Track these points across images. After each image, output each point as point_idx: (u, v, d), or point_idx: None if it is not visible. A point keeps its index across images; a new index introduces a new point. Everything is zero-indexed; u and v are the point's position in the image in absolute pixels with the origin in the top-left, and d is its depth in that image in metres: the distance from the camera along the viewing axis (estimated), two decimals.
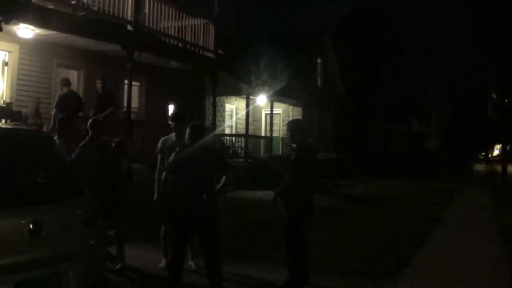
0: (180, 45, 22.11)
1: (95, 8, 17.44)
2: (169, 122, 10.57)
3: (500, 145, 64.46)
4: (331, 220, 17.13)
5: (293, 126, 9.69)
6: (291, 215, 9.22)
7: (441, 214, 19.93)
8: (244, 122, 31.93)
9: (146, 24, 19.68)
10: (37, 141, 7.20)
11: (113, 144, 10.77)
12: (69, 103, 15.91)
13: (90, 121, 11.36)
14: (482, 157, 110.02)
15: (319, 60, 42.85)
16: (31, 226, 5.63)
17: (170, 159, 9.20)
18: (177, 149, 9.16)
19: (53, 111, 15.93)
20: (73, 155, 10.64)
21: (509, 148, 52.47)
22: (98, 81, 17.69)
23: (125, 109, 19.03)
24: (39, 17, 15.53)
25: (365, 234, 14.97)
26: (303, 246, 9.24)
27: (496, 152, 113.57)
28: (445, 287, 9.74)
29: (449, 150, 68.07)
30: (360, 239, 14.26)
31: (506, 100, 44.92)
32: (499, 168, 45.52)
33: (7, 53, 17.83)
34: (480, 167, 69.58)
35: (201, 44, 23.13)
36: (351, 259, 11.82)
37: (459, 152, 70.93)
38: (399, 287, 9.76)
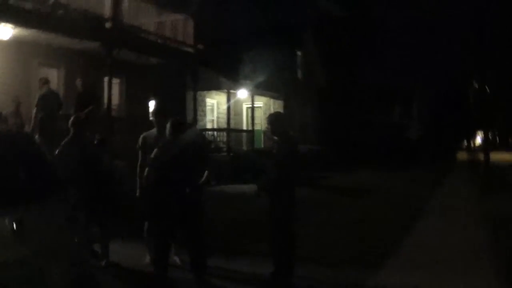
0: (160, 41, 22.11)
1: (74, 7, 17.39)
2: (151, 118, 10.58)
3: (482, 133, 64.72)
4: (315, 212, 17.16)
5: (273, 119, 9.71)
6: (274, 208, 9.24)
7: (424, 204, 20.03)
8: (225, 116, 31.95)
9: (125, 21, 19.65)
10: (17, 141, 7.21)
11: (95, 142, 10.78)
12: (49, 102, 15.87)
13: (72, 118, 11.34)
14: (465, 146, 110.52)
15: (299, 53, 42.85)
16: (14, 225, 5.64)
17: (152, 155, 9.22)
18: (159, 144, 9.18)
19: (34, 111, 15.91)
20: (55, 153, 10.62)
21: (491, 136, 52.79)
22: (78, 79, 17.64)
23: (106, 106, 19.00)
24: (18, 17, 15.50)
25: (349, 225, 15.05)
26: (287, 238, 9.26)
27: (478, 140, 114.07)
28: (429, 275, 9.80)
29: (432, 140, 68.25)
30: (344, 230, 14.35)
31: (487, 88, 45.14)
32: (481, 156, 45.78)
33: None
34: (463, 156, 69.84)
35: (181, 39, 23.13)
36: (336, 250, 11.91)
37: (441, 142, 71.13)
38: (384, 277, 9.82)
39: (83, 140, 10.97)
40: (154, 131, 10.29)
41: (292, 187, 9.39)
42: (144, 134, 10.49)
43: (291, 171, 9.34)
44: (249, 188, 17.39)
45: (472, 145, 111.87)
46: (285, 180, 9.19)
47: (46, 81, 16.51)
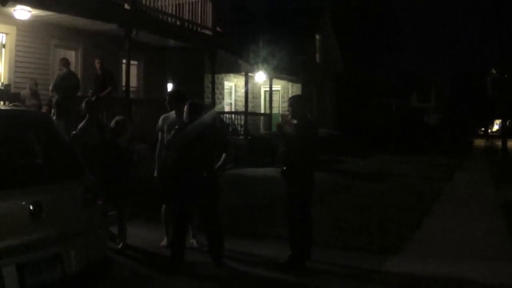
0: (178, 23, 22.05)
1: None
2: (166, 103, 10.57)
3: (500, 120, 64.29)
4: (332, 196, 17.13)
5: (294, 101, 9.67)
6: (292, 191, 9.22)
7: (441, 189, 19.97)
8: (243, 99, 31.85)
9: (143, 3, 19.60)
10: (36, 121, 7.19)
11: (112, 124, 10.75)
12: (68, 84, 15.88)
13: (85, 102, 11.38)
14: (482, 133, 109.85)
15: (318, 36, 42.65)
16: (31, 207, 5.63)
17: (169, 137, 9.20)
18: (176, 127, 9.15)
19: (51, 92, 15.94)
20: (72, 135, 10.64)
21: (508, 123, 52.46)
22: (96, 61, 17.66)
23: (123, 89, 19.00)
24: None
25: (366, 210, 14.98)
26: (304, 222, 9.26)
27: (495, 127, 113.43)
28: (446, 262, 9.74)
29: (449, 125, 67.91)
30: (361, 215, 14.28)
31: (506, 76, 44.88)
32: (498, 143, 45.53)
33: (4, 35, 17.75)
34: (480, 143, 69.50)
35: (199, 21, 23.07)
36: (352, 235, 11.85)
37: (459, 128, 70.73)
38: (400, 263, 9.78)
39: (99, 122, 11.01)
40: (173, 113, 10.26)
41: (310, 171, 9.36)
42: (163, 116, 10.48)
43: (309, 155, 9.31)
44: (266, 171, 17.37)
45: (489, 131, 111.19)
46: (303, 164, 9.15)
47: (66, 62, 16.52)
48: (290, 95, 32.91)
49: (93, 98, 12.87)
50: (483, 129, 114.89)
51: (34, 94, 16.62)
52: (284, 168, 9.29)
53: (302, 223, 9.23)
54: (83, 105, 11.29)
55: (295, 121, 9.44)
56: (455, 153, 42.70)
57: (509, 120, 52.58)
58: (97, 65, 17.57)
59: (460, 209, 15.96)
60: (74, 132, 10.76)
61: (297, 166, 9.09)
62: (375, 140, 42.99)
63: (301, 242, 9.23)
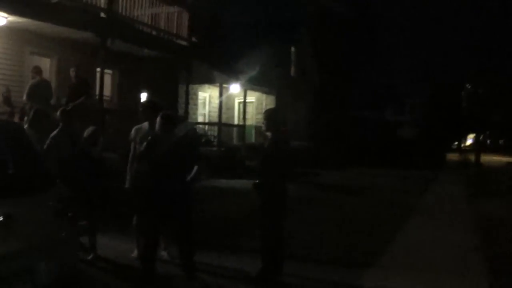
0: (154, 33, 22.02)
1: None
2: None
3: (474, 135, 64.86)
4: (305, 209, 17.11)
5: (270, 115, 9.67)
6: (264, 204, 9.21)
7: (415, 203, 20.07)
8: (217, 110, 31.88)
9: (120, 12, 19.55)
10: (7, 131, 7.12)
11: (86, 133, 10.68)
12: (40, 92, 15.79)
13: (59, 111, 11.32)
14: (455, 147, 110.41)
15: (293, 49, 42.77)
16: (1, 219, 5.56)
17: (141, 148, 9.17)
18: (148, 138, 9.13)
19: (24, 99, 15.83)
20: (45, 145, 10.55)
21: (481, 137, 53.03)
22: (71, 69, 17.52)
23: (97, 98, 18.90)
24: (12, 4, 15.37)
25: (340, 224, 15.04)
26: (276, 236, 9.23)
27: (469, 141, 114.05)
28: (418, 276, 9.81)
29: (423, 139, 68.11)
30: (334, 228, 14.33)
31: (480, 91, 45.37)
32: (471, 157, 45.89)
33: None
34: (453, 157, 69.89)
35: (175, 32, 23.04)
36: (326, 248, 11.89)
37: (432, 141, 70.93)
38: (373, 276, 9.80)
39: (72, 132, 10.94)
40: (146, 124, 10.21)
41: (283, 185, 9.35)
42: (136, 126, 10.42)
43: (283, 168, 9.30)
44: (240, 183, 17.33)
45: (462, 146, 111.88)
46: (275, 178, 9.15)
47: (38, 70, 16.42)
48: (264, 107, 33.08)
49: (68, 107, 12.81)
50: (456, 143, 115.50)
51: (7, 101, 16.50)
52: (257, 181, 9.29)
53: (275, 236, 9.21)
54: (57, 114, 11.22)
55: (269, 134, 9.45)
56: (430, 166, 42.87)
57: (482, 135, 53.13)
58: (72, 74, 17.42)
59: (433, 222, 16.07)
60: (46, 143, 10.68)
61: (269, 179, 9.09)
62: (350, 153, 43.10)
63: (273, 255, 9.21)
